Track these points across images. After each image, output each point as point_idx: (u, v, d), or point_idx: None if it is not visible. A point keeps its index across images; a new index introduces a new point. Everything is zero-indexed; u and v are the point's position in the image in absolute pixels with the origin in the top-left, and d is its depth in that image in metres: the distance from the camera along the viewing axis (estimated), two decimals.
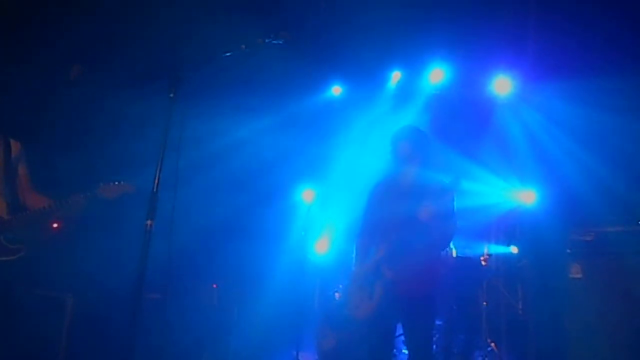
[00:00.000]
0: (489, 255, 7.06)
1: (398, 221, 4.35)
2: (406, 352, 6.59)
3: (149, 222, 3.03)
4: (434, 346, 6.64)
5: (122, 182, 4.41)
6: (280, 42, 3.40)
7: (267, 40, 3.38)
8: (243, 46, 3.37)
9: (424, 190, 4.38)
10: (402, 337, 6.57)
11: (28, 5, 6.27)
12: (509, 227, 7.64)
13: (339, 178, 8.19)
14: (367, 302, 4.35)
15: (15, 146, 4.45)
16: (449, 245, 4.80)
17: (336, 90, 8.61)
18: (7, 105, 4.46)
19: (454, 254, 6.93)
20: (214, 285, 7.81)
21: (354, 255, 4.77)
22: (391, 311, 4.31)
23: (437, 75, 7.84)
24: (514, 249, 7.37)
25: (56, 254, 6.41)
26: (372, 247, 4.49)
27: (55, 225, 7.05)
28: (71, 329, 5.66)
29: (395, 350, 6.59)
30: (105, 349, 5.49)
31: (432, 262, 4.46)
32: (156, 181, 3.09)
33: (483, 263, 6.90)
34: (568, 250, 5.72)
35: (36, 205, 4.41)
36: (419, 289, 4.30)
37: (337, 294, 7.06)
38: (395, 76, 8.18)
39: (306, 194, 8.42)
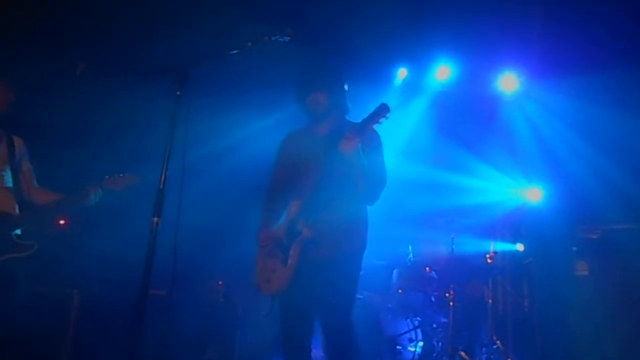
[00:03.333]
0: (495, 252, 7.04)
1: (315, 171, 3.69)
2: (412, 349, 6.60)
3: (155, 219, 3.03)
4: (439, 343, 6.64)
5: (127, 174, 4.44)
6: (286, 40, 3.40)
7: (273, 38, 3.38)
8: (249, 44, 3.37)
9: (343, 130, 3.65)
10: (408, 335, 6.60)
11: (34, 3, 6.28)
12: (514, 224, 7.63)
13: None
14: (280, 270, 3.64)
15: (18, 142, 4.47)
16: (379, 193, 3.74)
17: None
18: (14, 103, 4.47)
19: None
20: (220, 282, 7.82)
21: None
22: (309, 279, 3.60)
23: (443, 72, 7.83)
24: (520, 247, 7.36)
25: (62, 250, 6.44)
26: (282, 205, 3.83)
27: (62, 221, 7.10)
28: (77, 324, 5.68)
29: (400, 347, 6.60)
30: (110, 345, 5.51)
31: (358, 216, 3.80)
32: (162, 178, 3.09)
33: (489, 261, 6.89)
34: (574, 248, 5.71)
35: (44, 201, 4.44)
36: (342, 248, 3.66)
37: None
38: (402, 73, 8.17)
39: None
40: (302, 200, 3.69)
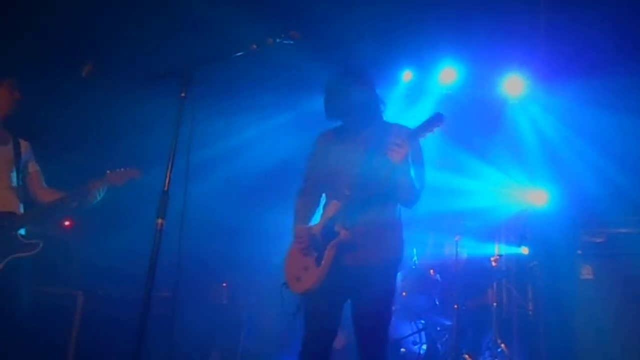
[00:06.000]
0: (500, 255, 7.03)
1: (353, 173, 3.59)
2: (416, 352, 6.59)
3: (159, 220, 3.03)
4: (443, 346, 6.63)
5: (128, 168, 4.46)
6: (291, 42, 3.40)
7: (277, 40, 3.38)
8: (254, 46, 3.37)
9: (386, 134, 3.59)
10: (412, 338, 6.60)
11: (38, 4, 6.31)
12: (519, 227, 7.61)
13: None
14: (313, 269, 3.54)
15: (24, 145, 4.50)
16: (415, 202, 3.66)
17: None
18: (20, 104, 4.49)
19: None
20: (224, 284, 7.83)
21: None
22: (342, 283, 3.52)
23: (448, 74, 7.81)
24: (524, 250, 7.35)
25: (67, 251, 6.45)
26: (317, 204, 3.84)
27: (67, 223, 7.12)
28: (81, 326, 5.69)
29: (404, 350, 6.59)
30: (114, 347, 5.51)
31: (395, 221, 3.72)
32: (167, 180, 3.10)
33: (493, 264, 6.88)
34: (579, 251, 5.71)
35: (49, 199, 4.45)
36: (379, 255, 3.59)
37: None
38: (407, 75, 8.15)
39: None
40: (342, 201, 3.56)
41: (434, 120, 3.38)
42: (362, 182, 3.52)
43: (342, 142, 3.80)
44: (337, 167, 3.73)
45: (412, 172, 3.51)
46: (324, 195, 3.87)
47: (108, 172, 4.44)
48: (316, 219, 3.79)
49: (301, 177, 4.00)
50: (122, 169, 4.46)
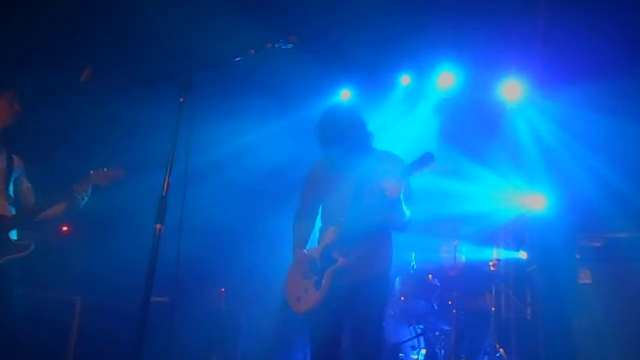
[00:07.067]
0: (498, 260, 7.03)
1: (346, 201, 3.92)
2: (414, 356, 6.59)
3: (158, 226, 3.03)
4: (442, 351, 6.63)
5: (111, 168, 4.46)
6: (290, 47, 3.41)
7: (276, 45, 3.39)
8: (252, 50, 3.37)
9: (376, 162, 3.98)
10: (410, 343, 6.59)
11: (40, 7, 6.31)
12: (518, 232, 7.61)
13: None
14: (312, 292, 3.84)
15: (17, 160, 4.50)
16: (405, 229, 4.03)
17: (345, 94, 8.58)
18: (19, 114, 4.49)
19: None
20: (222, 289, 7.82)
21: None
22: (339, 302, 3.82)
23: (446, 78, 7.81)
24: (523, 255, 7.34)
25: (65, 256, 6.44)
26: (313, 226, 4.19)
27: (65, 228, 7.11)
28: (80, 330, 5.68)
29: (402, 354, 6.59)
30: (113, 352, 5.51)
31: (388, 243, 4.05)
32: (165, 185, 3.10)
33: (492, 268, 6.88)
34: (577, 256, 5.71)
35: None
36: (371, 271, 3.90)
37: None
38: (405, 79, 8.16)
39: None
40: (337, 227, 3.89)
41: (425, 161, 3.65)
42: (355, 209, 3.85)
43: (335, 169, 4.13)
44: (331, 194, 4.08)
45: (404, 205, 3.81)
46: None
47: (91, 172, 4.44)
48: (314, 241, 4.12)
49: (298, 200, 4.32)
50: (106, 169, 4.45)
